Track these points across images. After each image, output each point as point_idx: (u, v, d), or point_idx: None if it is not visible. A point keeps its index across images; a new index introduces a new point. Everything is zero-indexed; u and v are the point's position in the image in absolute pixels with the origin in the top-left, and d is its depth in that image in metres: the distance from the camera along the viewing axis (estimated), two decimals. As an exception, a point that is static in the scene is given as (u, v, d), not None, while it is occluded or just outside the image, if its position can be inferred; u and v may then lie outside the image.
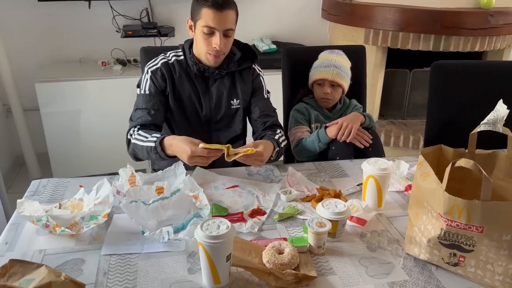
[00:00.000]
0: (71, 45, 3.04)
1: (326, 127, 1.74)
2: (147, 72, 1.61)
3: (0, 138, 2.96)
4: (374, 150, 1.75)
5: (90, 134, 2.83)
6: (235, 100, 1.67)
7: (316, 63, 1.90)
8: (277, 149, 1.52)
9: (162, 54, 1.65)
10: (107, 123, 2.81)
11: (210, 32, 1.50)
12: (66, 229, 1.12)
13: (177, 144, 1.38)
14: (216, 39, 1.50)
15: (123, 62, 2.99)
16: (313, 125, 1.88)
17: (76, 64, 3.03)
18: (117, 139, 2.74)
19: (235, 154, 1.34)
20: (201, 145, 1.33)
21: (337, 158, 1.68)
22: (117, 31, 3.02)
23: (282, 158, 2.08)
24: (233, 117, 1.69)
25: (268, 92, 1.76)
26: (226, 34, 1.51)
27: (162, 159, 1.45)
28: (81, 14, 2.95)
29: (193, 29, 1.56)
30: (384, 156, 1.74)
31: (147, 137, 1.48)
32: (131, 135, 1.56)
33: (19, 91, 2.91)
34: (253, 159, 1.39)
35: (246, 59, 1.68)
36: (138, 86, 1.63)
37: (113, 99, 2.78)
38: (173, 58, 1.63)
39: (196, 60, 1.59)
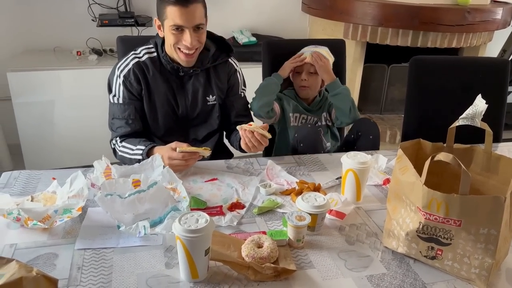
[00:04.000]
0: (45, 33, 2.95)
1: None
2: (119, 76, 1.53)
3: (-30, 128, 2.85)
4: (373, 139, 1.76)
5: (64, 125, 2.76)
6: (211, 97, 1.63)
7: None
8: None
9: (133, 52, 1.56)
10: (82, 114, 2.74)
11: (179, 31, 1.44)
12: (39, 223, 1.08)
13: (159, 152, 1.39)
14: (187, 36, 1.43)
15: (98, 52, 2.91)
16: (291, 114, 1.88)
17: (50, 53, 2.94)
18: (92, 130, 2.69)
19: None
20: (178, 149, 1.35)
21: (301, 145, 1.68)
22: (92, 20, 2.94)
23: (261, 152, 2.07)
24: (210, 113, 1.66)
25: (244, 86, 1.74)
26: (196, 29, 1.45)
27: None
28: (56, 1, 2.86)
29: (162, 29, 1.50)
30: (378, 148, 1.75)
31: (132, 149, 1.49)
32: (114, 144, 1.56)
33: (-10, 80, 2.81)
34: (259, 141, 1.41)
35: (221, 52, 1.64)
36: (109, 89, 1.56)
37: (88, 90, 2.71)
38: (145, 56, 1.55)
39: (169, 59, 1.53)
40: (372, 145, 1.75)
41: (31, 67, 2.64)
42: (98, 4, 2.94)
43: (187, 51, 1.47)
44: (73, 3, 2.89)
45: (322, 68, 1.81)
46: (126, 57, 1.56)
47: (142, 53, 1.56)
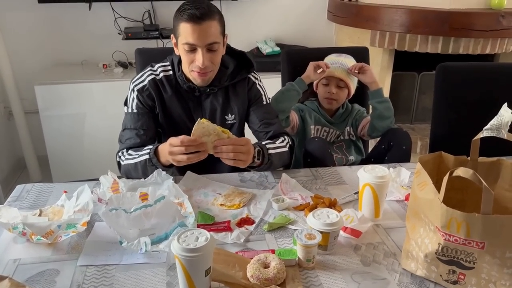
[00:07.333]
0: (73, 48, 3.02)
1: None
2: (133, 90, 1.49)
3: (2, 140, 2.93)
4: (406, 150, 1.69)
5: (91, 137, 2.79)
6: (229, 116, 1.56)
7: None
8: (257, 148, 1.38)
9: (149, 68, 1.52)
10: (108, 126, 2.76)
11: (192, 49, 1.37)
12: (42, 238, 1.06)
13: (163, 146, 1.33)
14: (199, 56, 1.36)
15: (124, 65, 2.95)
16: (312, 127, 1.81)
17: (77, 67, 3.00)
18: (117, 142, 2.71)
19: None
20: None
21: (308, 160, 1.61)
22: (118, 33, 2.98)
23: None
24: None
25: (269, 98, 1.65)
26: (210, 49, 1.38)
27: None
28: (82, 16, 2.92)
29: (177, 47, 1.44)
30: (409, 160, 1.67)
31: (138, 154, 1.42)
32: (120, 157, 1.49)
33: (20, 93, 2.89)
34: (236, 154, 1.27)
35: (241, 68, 1.55)
36: (125, 104, 1.53)
37: (114, 102, 2.71)
38: (161, 74, 1.50)
39: (185, 79, 1.48)
40: (404, 157, 1.66)
41: (58, 81, 2.69)
42: (124, 17, 2.98)
43: (198, 71, 1.41)
44: (99, 17, 2.95)
45: (369, 75, 1.75)
46: (143, 72, 1.52)
47: (159, 70, 1.51)
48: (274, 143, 1.49)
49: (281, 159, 1.49)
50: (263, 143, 1.46)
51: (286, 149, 1.51)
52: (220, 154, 1.28)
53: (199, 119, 1.25)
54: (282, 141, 1.52)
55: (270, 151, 1.44)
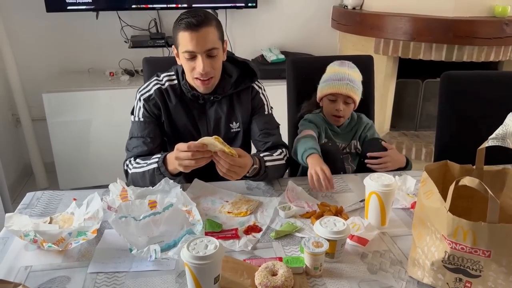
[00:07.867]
0: (79, 56, 3.05)
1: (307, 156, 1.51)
2: (140, 99, 1.52)
3: (9, 147, 2.96)
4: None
5: (97, 144, 2.82)
6: (234, 123, 1.57)
7: (326, 76, 1.77)
8: (255, 166, 1.38)
9: (155, 78, 1.55)
10: (114, 133, 2.78)
11: (192, 57, 1.40)
12: (53, 245, 1.08)
13: (171, 154, 1.34)
14: (199, 62, 1.39)
15: (130, 73, 2.98)
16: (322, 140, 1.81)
17: (84, 74, 3.03)
18: (124, 149, 2.73)
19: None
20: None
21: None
22: (125, 42, 3.02)
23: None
24: (233, 140, 1.59)
25: (271, 107, 1.65)
26: (210, 54, 1.40)
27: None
28: (89, 24, 2.96)
29: (179, 57, 1.47)
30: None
31: (147, 162, 1.43)
32: (127, 165, 1.50)
33: (28, 101, 2.92)
34: (229, 171, 1.29)
35: (245, 77, 1.57)
36: (132, 113, 1.55)
37: (120, 110, 2.75)
38: (167, 83, 1.52)
39: (189, 87, 1.50)
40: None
41: (65, 88, 2.72)
42: (130, 26, 3.02)
43: (200, 77, 1.43)
44: (106, 26, 2.98)
45: (397, 164, 1.64)
46: (149, 82, 1.55)
47: (164, 80, 1.54)
48: (271, 155, 1.49)
49: (278, 171, 1.50)
50: (261, 155, 1.47)
51: (283, 161, 1.52)
52: (217, 162, 1.29)
53: (216, 136, 1.27)
54: (280, 153, 1.52)
55: (267, 163, 1.44)
